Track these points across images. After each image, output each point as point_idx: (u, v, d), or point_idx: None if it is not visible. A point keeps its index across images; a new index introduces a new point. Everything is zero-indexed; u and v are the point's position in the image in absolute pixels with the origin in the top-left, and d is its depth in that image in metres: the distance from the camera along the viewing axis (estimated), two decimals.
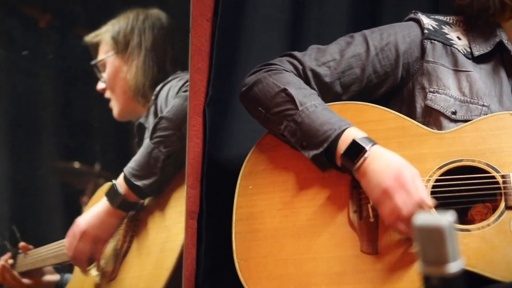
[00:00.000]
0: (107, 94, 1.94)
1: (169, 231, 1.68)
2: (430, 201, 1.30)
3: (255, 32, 1.88)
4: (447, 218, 0.80)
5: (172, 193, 1.73)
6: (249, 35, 1.86)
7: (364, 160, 1.31)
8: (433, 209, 1.33)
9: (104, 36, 1.95)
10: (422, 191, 1.29)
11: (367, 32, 1.53)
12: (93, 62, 1.95)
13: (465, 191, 1.35)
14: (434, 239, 0.82)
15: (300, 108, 1.39)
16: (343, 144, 1.33)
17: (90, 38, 1.97)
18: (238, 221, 1.45)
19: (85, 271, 1.81)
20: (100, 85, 1.94)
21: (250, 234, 1.44)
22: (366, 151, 1.30)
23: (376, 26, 1.58)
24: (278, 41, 1.88)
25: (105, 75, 1.93)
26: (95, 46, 1.97)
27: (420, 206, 1.28)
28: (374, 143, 1.32)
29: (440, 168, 1.38)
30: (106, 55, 1.93)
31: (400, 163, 1.32)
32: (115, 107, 1.95)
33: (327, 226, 1.40)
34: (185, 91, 1.75)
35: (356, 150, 1.32)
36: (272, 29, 1.90)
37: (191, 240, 1.62)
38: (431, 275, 0.83)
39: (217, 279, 1.65)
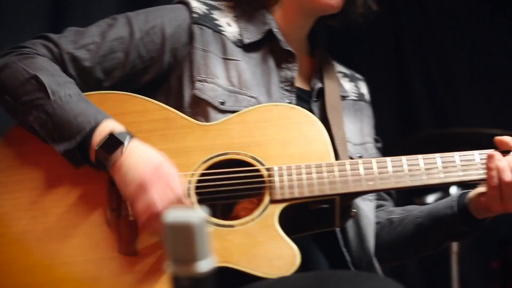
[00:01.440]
0: None
1: None
2: (188, 199, 1.33)
3: (9, 6, 1.78)
4: (197, 214, 0.82)
5: None
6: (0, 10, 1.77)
7: (121, 154, 1.28)
8: (194, 207, 1.34)
9: None
10: (180, 188, 1.31)
11: (131, 14, 1.50)
12: None
13: (230, 186, 1.39)
14: (183, 236, 0.82)
15: (52, 98, 1.32)
16: (98, 137, 1.30)
17: None
18: None
19: None
20: None
21: None
22: (123, 145, 1.28)
23: (148, 7, 1.55)
24: (37, 18, 1.81)
25: None
26: None
27: (178, 202, 1.29)
28: (132, 137, 1.30)
29: (205, 162, 1.40)
30: None
31: (158, 159, 1.33)
32: None
33: (81, 227, 1.36)
34: None
35: (112, 144, 1.29)
36: (30, 4, 1.81)
37: None
38: (180, 276, 0.83)
39: None
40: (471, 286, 3.38)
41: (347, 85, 1.83)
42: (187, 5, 1.52)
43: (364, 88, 1.88)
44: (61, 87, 1.36)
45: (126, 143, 1.29)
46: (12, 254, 1.35)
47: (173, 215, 0.83)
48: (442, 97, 3.85)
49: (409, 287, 3.58)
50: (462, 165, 1.44)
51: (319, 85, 1.68)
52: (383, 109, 3.45)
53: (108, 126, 1.30)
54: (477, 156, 1.44)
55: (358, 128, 1.76)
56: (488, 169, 1.44)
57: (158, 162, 1.31)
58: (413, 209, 1.72)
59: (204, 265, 0.84)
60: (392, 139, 3.24)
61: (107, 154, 1.29)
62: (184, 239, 0.83)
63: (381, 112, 2.15)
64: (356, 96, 1.84)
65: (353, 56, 3.70)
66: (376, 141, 1.84)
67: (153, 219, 1.27)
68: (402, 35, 3.92)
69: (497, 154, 1.45)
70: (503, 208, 1.46)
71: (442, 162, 1.44)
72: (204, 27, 1.52)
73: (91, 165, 1.35)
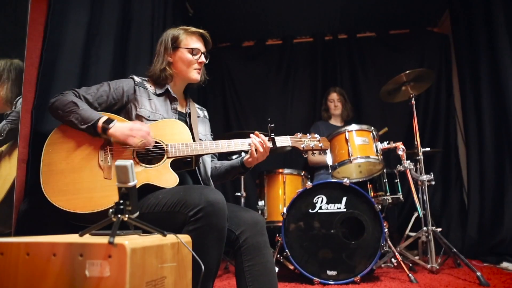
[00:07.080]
0: None
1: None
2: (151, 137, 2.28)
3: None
4: (129, 162, 1.38)
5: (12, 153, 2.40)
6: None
7: (114, 125, 2.24)
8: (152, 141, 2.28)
9: None
10: (145, 129, 2.28)
11: (110, 82, 2.54)
12: None
13: (153, 150, 2.34)
14: (123, 171, 1.37)
15: (80, 108, 2.30)
16: (101, 121, 2.24)
17: None
18: (43, 166, 2.24)
19: None
20: None
21: (49, 169, 2.21)
22: (113, 121, 2.27)
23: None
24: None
25: None
26: None
27: (148, 134, 2.25)
28: (113, 121, 2.27)
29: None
30: None
31: (129, 124, 2.26)
32: None
33: (87, 166, 2.24)
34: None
35: (108, 122, 2.26)
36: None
37: (21, 176, 2.42)
38: (121, 187, 1.40)
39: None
40: None
41: (200, 112, 2.88)
42: (133, 79, 2.59)
43: (206, 113, 2.96)
44: (82, 104, 2.29)
45: (113, 122, 2.24)
46: (58, 177, 2.19)
47: (119, 162, 1.34)
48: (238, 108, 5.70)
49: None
50: (240, 144, 2.43)
51: (188, 111, 2.70)
52: (215, 121, 4.83)
53: (103, 118, 2.26)
54: (246, 140, 2.46)
55: (204, 130, 2.81)
56: (252, 142, 2.46)
57: (131, 125, 2.24)
58: (224, 163, 2.76)
59: (132, 183, 1.37)
60: (220, 134, 4.68)
61: (107, 126, 2.23)
62: (123, 172, 1.34)
63: (214, 122, 3.24)
64: (204, 117, 2.90)
65: (206, 99, 5.44)
66: (212, 135, 2.90)
67: (144, 139, 2.23)
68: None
69: (253, 138, 2.47)
70: (257, 161, 2.49)
71: (234, 142, 2.44)
72: (140, 87, 2.55)
73: (96, 134, 2.25)
